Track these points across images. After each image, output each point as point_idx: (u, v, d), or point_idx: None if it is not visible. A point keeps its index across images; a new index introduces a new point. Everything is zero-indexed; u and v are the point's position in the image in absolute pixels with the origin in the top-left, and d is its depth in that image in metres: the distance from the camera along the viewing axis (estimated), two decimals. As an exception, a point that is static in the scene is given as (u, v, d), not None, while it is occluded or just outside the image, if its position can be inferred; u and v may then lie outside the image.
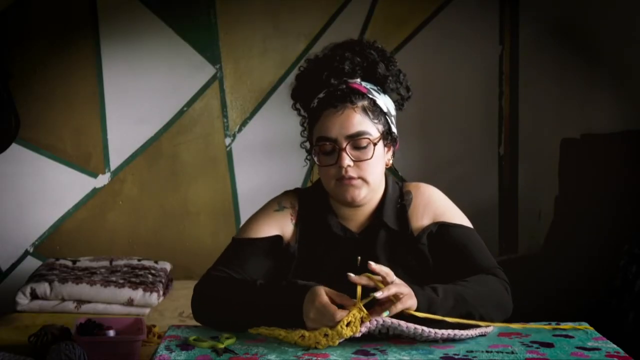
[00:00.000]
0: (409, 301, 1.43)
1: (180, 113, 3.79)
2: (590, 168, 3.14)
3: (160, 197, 3.81)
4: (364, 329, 1.41)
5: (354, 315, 1.41)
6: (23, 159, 3.70)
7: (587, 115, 3.58)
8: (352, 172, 1.59)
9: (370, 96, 1.62)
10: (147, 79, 3.75)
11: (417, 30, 3.79)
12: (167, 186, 3.81)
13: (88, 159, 3.76)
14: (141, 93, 3.76)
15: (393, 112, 1.68)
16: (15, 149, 3.67)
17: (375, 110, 1.62)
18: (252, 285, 1.56)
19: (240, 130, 3.82)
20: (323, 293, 1.44)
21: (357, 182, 1.60)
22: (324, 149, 1.61)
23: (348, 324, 1.40)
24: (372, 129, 1.61)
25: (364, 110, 1.60)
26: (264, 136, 3.81)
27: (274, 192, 1.79)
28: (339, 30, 3.75)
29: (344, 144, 1.58)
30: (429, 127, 3.73)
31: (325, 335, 1.41)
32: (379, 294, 1.40)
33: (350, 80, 1.62)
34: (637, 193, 2.83)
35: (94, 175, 3.78)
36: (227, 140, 3.82)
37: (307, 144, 1.72)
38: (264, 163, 3.82)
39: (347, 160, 1.58)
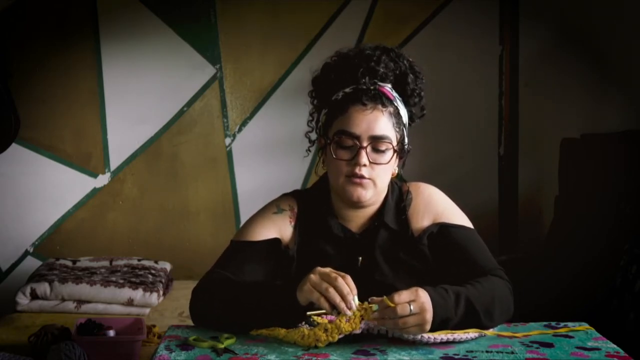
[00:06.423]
0: (422, 328, 1.42)
1: (180, 113, 3.78)
2: (590, 168, 3.13)
3: (160, 197, 3.81)
4: (363, 325, 1.41)
5: (353, 312, 1.41)
6: (23, 159, 3.70)
7: (587, 115, 3.57)
8: (365, 172, 1.59)
9: (395, 104, 1.63)
10: (147, 79, 3.75)
11: (417, 30, 3.79)
12: (167, 186, 3.81)
13: (88, 159, 3.76)
14: (141, 93, 3.76)
15: (406, 124, 1.69)
16: (15, 149, 3.66)
17: (397, 118, 1.63)
18: (248, 286, 1.55)
19: (240, 130, 3.81)
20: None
21: (367, 182, 1.60)
22: (343, 142, 1.60)
23: (348, 320, 1.40)
24: (393, 135, 1.62)
25: (390, 115, 1.62)
26: (264, 136, 3.81)
27: (274, 192, 1.79)
28: (339, 30, 3.75)
29: (366, 143, 1.59)
30: (429, 127, 3.70)
31: (325, 330, 1.41)
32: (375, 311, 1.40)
33: (381, 84, 1.64)
34: (637, 193, 2.83)
35: (94, 175, 3.78)
36: (227, 140, 3.81)
37: (312, 134, 1.72)
38: (263, 163, 3.82)
39: (365, 159, 1.58)
